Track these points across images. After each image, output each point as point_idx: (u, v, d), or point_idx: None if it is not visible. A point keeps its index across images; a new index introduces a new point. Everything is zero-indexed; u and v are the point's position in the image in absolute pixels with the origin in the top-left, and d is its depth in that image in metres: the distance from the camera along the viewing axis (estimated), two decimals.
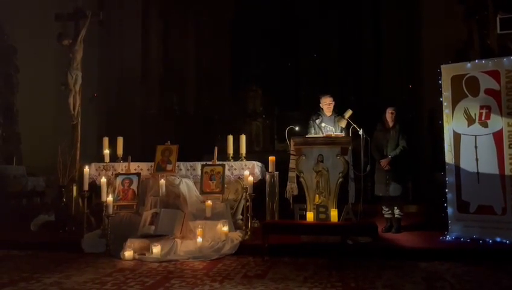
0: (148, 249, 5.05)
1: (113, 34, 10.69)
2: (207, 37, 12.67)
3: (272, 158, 5.81)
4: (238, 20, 12.71)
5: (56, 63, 7.05)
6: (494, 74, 5.31)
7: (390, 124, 6.04)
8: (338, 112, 6.04)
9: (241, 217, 6.12)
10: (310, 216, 5.16)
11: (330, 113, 6.06)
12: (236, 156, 6.24)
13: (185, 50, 12.60)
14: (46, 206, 7.38)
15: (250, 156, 6.41)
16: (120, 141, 6.43)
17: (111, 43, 10.82)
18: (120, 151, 6.41)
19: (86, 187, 5.83)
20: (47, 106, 7.90)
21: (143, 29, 11.72)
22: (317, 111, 6.17)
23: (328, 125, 6.02)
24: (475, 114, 5.41)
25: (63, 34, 6.55)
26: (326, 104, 6.08)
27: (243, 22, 12.57)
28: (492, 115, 5.31)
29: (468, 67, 5.53)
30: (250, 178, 5.64)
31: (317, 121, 6.03)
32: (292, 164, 5.74)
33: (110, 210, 5.47)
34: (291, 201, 5.76)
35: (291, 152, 5.69)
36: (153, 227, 5.40)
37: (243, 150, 6.21)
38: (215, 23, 12.66)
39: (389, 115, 6.06)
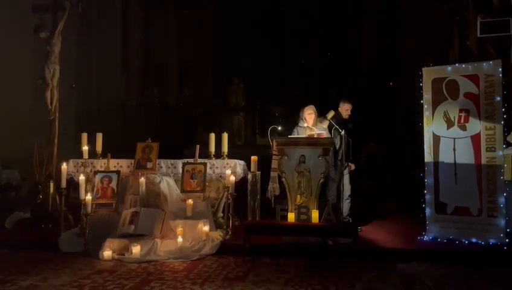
0: (127, 249, 4.98)
1: (93, 25, 10.43)
2: (189, 29, 12.50)
3: (253, 158, 5.78)
4: (221, 12, 12.55)
5: (33, 56, 6.83)
6: (474, 78, 5.40)
7: (310, 124, 5.90)
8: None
9: (222, 215, 6.09)
10: (291, 217, 5.18)
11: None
12: (218, 153, 6.19)
13: (167, 41, 12.37)
14: (21, 202, 7.19)
15: (231, 151, 6.35)
16: (99, 137, 6.30)
17: (90, 35, 10.56)
18: (99, 147, 6.27)
19: (63, 184, 5.71)
20: (24, 100, 7.67)
21: (123, 20, 11.45)
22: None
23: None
24: (454, 117, 5.49)
25: (40, 26, 6.33)
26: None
27: (226, 14, 12.42)
28: (470, 119, 5.40)
29: (448, 70, 5.60)
30: (232, 177, 5.62)
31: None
32: (274, 164, 5.74)
33: (89, 209, 5.38)
34: (272, 201, 5.77)
35: (274, 152, 5.68)
36: (132, 226, 5.32)
37: (225, 148, 6.17)
38: (198, 14, 12.48)
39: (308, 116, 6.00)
